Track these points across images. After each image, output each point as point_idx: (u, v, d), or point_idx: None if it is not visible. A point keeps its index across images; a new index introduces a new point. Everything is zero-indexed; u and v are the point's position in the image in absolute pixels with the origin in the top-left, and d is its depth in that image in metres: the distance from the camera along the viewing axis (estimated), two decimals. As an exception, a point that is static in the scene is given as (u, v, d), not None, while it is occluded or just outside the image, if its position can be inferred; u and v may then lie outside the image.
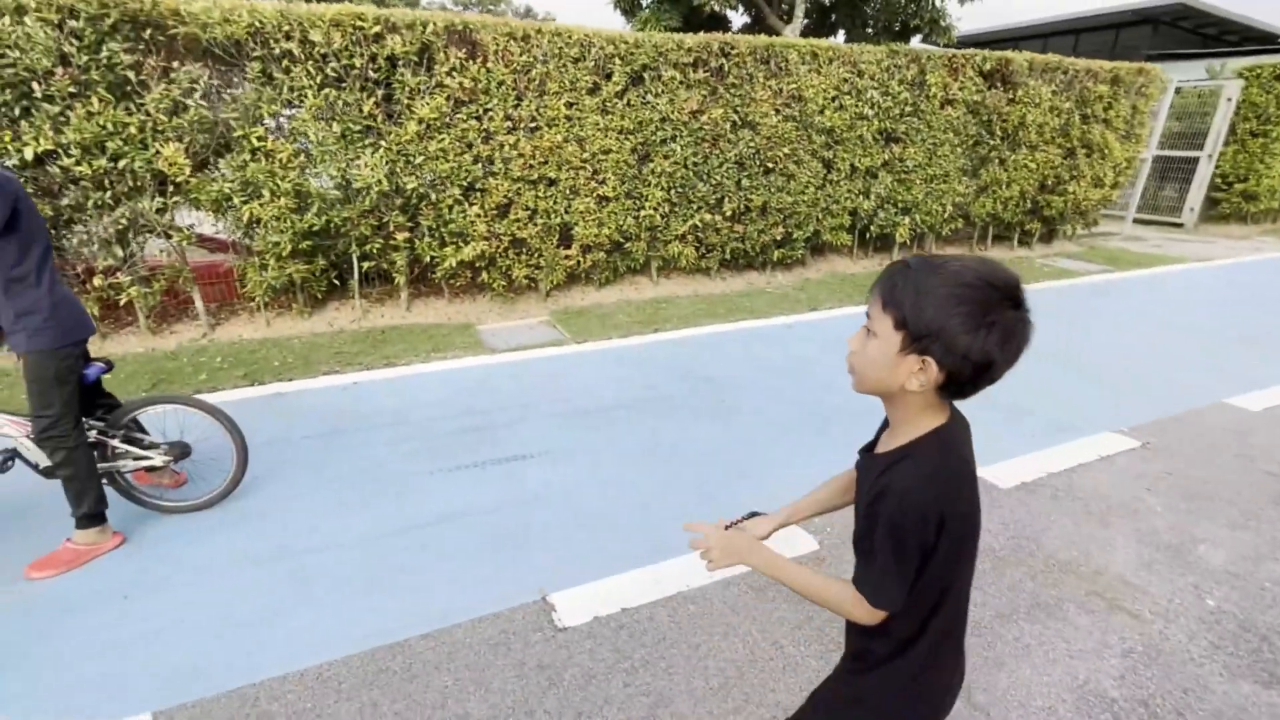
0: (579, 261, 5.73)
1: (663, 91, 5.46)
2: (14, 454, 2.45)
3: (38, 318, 2.22)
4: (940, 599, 0.98)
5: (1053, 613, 2.22)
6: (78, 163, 4.01)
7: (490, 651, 2.02)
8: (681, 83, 5.53)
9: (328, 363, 4.44)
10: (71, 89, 3.91)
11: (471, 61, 4.78)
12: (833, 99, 6.16)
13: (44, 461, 2.44)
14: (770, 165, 6.10)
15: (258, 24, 4.20)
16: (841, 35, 10.56)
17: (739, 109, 5.78)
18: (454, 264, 5.19)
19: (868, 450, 1.11)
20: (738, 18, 11.09)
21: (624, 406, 3.80)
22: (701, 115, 5.64)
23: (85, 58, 3.90)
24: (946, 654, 1.05)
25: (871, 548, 0.96)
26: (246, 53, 4.28)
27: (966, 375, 0.88)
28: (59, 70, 3.86)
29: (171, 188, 4.35)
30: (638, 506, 2.84)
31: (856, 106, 6.29)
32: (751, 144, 5.92)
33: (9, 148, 3.86)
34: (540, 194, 5.30)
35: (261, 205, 4.47)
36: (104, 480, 2.51)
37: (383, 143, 4.71)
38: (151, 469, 2.66)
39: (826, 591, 1.04)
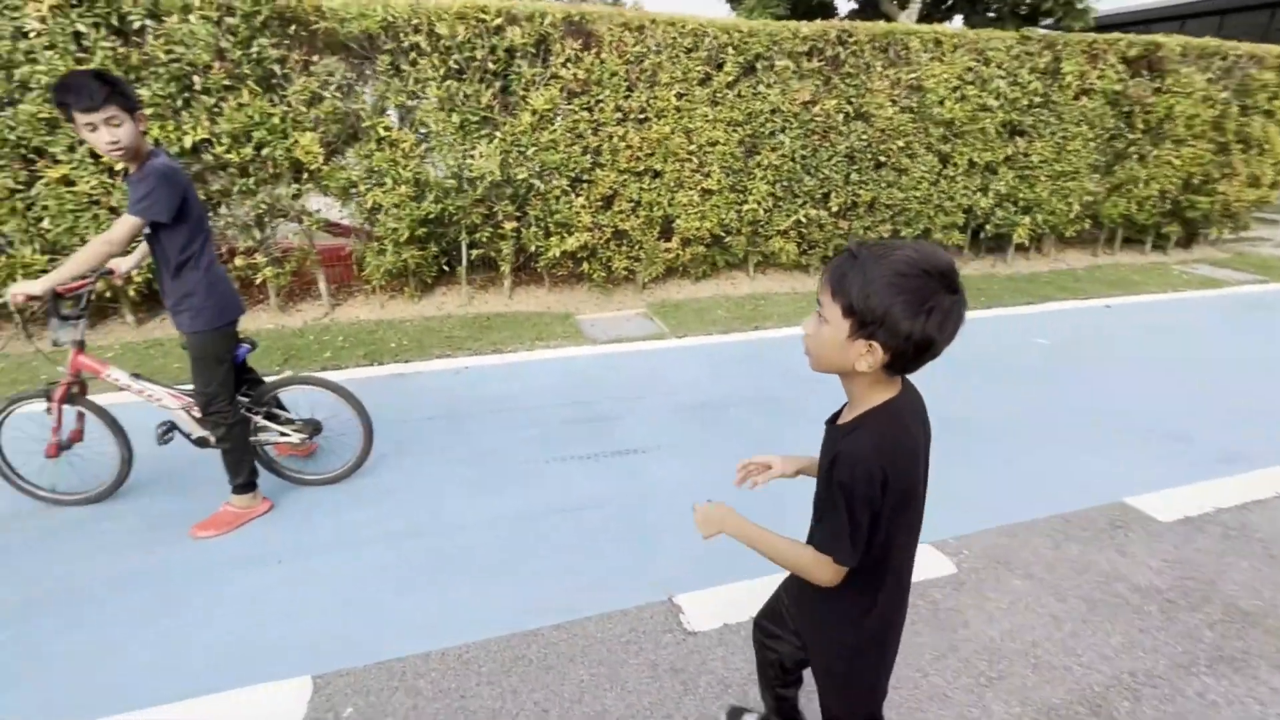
0: (678, 255, 5.68)
1: (775, 82, 5.30)
2: (173, 426, 2.65)
3: (197, 299, 2.37)
4: (885, 554, 1.10)
5: (1240, 669, 1.98)
6: (227, 151, 4.31)
7: (622, 649, 2.01)
8: (794, 73, 5.34)
9: (439, 346, 4.60)
10: (225, 82, 4.20)
11: (586, 52, 4.79)
12: (954, 89, 5.79)
13: (197, 432, 2.63)
14: (882, 159, 5.81)
15: (390, 18, 4.37)
16: (958, 21, 9.94)
17: (853, 100, 5.53)
18: (557, 254, 5.25)
19: (831, 421, 1.20)
20: (845, 4, 10.65)
21: (733, 404, 3.72)
22: (813, 106, 5.44)
23: (239, 52, 4.17)
24: (896, 601, 1.21)
25: (827, 509, 1.09)
26: (378, 46, 4.47)
27: (910, 355, 0.98)
28: (216, 64, 4.16)
29: (305, 175, 4.62)
30: (757, 509, 2.76)
31: (980, 97, 5.89)
32: (864, 136, 5.66)
33: (171, 136, 4.20)
34: (645, 186, 5.27)
35: (384, 193, 4.67)
36: (251, 451, 2.68)
37: (497, 133, 4.81)
38: (289, 444, 2.83)
39: (793, 554, 1.15)
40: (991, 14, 9.13)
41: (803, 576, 1.16)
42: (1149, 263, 7.54)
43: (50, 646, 2.03)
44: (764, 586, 2.25)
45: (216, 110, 4.25)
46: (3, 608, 2.19)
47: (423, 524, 2.63)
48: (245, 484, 2.62)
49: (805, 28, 5.28)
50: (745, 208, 5.62)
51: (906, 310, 0.93)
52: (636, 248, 5.51)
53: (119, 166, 4.14)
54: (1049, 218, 6.65)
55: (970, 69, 5.80)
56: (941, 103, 5.75)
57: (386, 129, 4.60)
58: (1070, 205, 6.66)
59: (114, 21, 3.96)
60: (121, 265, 2.54)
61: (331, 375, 4.04)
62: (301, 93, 4.33)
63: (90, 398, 2.59)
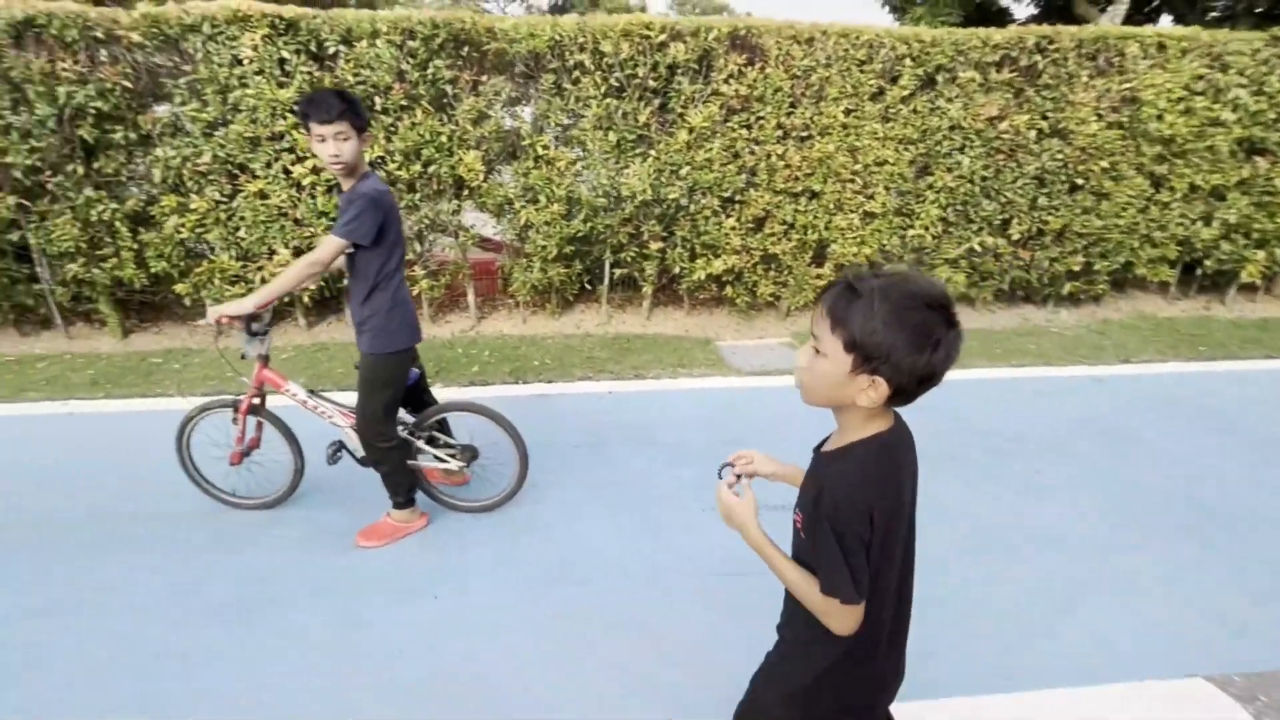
0: (830, 282, 5.24)
1: (957, 95, 4.76)
2: (342, 445, 2.67)
3: (379, 319, 2.35)
4: (872, 589, 1.03)
5: None
6: (399, 168, 4.50)
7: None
8: (980, 85, 4.78)
9: (580, 367, 4.50)
10: (402, 102, 4.38)
11: (750, 67, 4.55)
12: (1178, 101, 4.93)
13: (362, 452, 2.63)
14: (1079, 181, 5.06)
15: (558, 37, 4.37)
16: (1165, 22, 8.67)
17: (1049, 114, 4.86)
18: (702, 276, 5.02)
19: (818, 448, 1.15)
20: (1021, 9, 9.67)
21: (907, 460, 3.26)
22: (1000, 122, 4.83)
23: (416, 74, 4.34)
24: (884, 646, 1.11)
25: (820, 543, 1.01)
26: (543, 65, 4.49)
27: (911, 389, 0.96)
28: (396, 85, 4.35)
29: (465, 191, 4.73)
30: (966, 597, 2.33)
31: (1211, 110, 4.97)
32: (1059, 156, 4.95)
33: (352, 154, 4.43)
34: (800, 207, 4.92)
35: (537, 210, 4.68)
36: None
37: (651, 152, 4.68)
38: (446, 471, 2.76)
39: (804, 589, 1.07)
40: (1216, 13, 7.82)
41: (820, 618, 1.06)
42: None
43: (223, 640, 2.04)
44: (1010, 707, 1.84)
45: (392, 129, 4.45)
46: (201, 601, 2.26)
47: (573, 566, 2.45)
48: (406, 500, 2.59)
49: (997, 35, 4.70)
50: (911, 233, 5.09)
51: (911, 345, 0.91)
52: (786, 273, 5.16)
53: (331, 179, 4.45)
54: (1291, 254, 5.51)
55: (1201, 77, 4.91)
56: (1160, 117, 4.92)
57: (545, 147, 4.61)
58: (1321, 239, 5.47)
59: (313, 48, 4.26)
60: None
61: (480, 393, 4.05)
62: (470, 112, 4.43)
63: (269, 408, 2.66)
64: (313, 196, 4.50)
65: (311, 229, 4.57)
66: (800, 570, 1.10)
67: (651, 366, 4.52)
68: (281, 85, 4.24)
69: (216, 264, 4.57)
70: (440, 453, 2.68)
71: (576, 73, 4.49)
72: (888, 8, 9.37)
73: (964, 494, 2.99)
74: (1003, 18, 9.09)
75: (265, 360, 2.51)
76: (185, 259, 4.58)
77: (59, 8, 3.98)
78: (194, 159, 4.32)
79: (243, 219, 4.49)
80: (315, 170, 4.41)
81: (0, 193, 4.23)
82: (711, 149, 4.65)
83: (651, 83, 4.55)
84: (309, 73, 4.25)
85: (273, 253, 4.60)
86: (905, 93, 4.70)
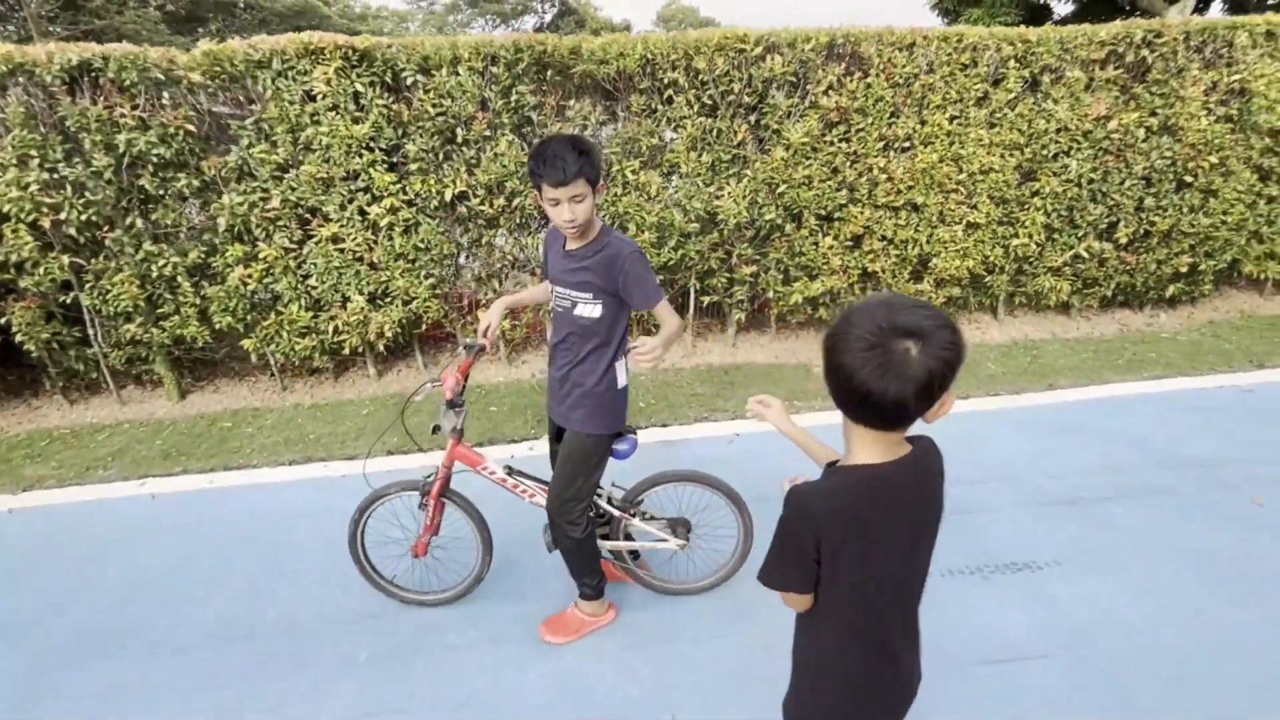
0: (930, 298, 4.95)
1: (1064, 96, 4.51)
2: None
3: (607, 395, 2.06)
4: (829, 594, 1.11)
5: None
6: (482, 202, 4.18)
7: None
8: (1087, 84, 4.53)
9: (686, 405, 4.17)
10: (485, 133, 4.07)
11: (849, 77, 4.28)
12: (1287, 90, 4.70)
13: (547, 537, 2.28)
14: (1188, 179, 4.81)
15: (649, 54, 4.08)
16: (1214, 11, 8.55)
17: (1158, 110, 4.61)
18: (799, 300, 4.71)
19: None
20: (1062, 6, 9.53)
21: (1106, 498, 2.93)
22: (1108, 121, 4.58)
23: (500, 102, 4.03)
24: (857, 654, 1.15)
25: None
26: (634, 85, 4.19)
27: (853, 407, 1.01)
28: (479, 115, 4.04)
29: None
30: (1222, 650, 1.99)
31: (1320, 98, 4.75)
32: (1168, 153, 4.70)
33: (433, 190, 4.11)
34: (901, 221, 4.63)
35: (627, 239, 4.35)
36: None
37: (747, 171, 4.39)
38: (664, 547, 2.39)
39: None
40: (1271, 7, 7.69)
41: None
42: None
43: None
44: None
45: (474, 161, 4.13)
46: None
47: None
48: (596, 589, 2.24)
49: (1103, 30, 4.47)
50: (1015, 242, 4.81)
51: (827, 366, 1.00)
52: (883, 291, 4.85)
53: (410, 218, 4.14)
54: (1401, 243, 5.27)
55: (1311, 64, 4.70)
56: (1271, 108, 4.68)
57: (634, 172, 4.30)
58: None
59: (388, 79, 3.94)
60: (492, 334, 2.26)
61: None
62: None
63: (453, 488, 2.30)
64: (390, 238, 4.17)
65: (387, 273, 4.23)
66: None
67: (764, 401, 4.18)
68: (356, 121, 3.92)
69: (286, 315, 4.21)
70: (654, 529, 2.33)
71: (669, 91, 4.20)
72: (938, 11, 9.21)
73: (1208, 538, 2.66)
74: (1045, 15, 8.94)
75: (459, 435, 2.16)
76: (250, 312, 4.22)
77: (116, 49, 3.65)
78: (262, 204, 3.98)
79: (314, 266, 4.15)
80: (393, 210, 4.08)
81: (52, 253, 3.87)
82: (811, 165, 4.36)
83: (746, 99, 4.26)
84: (385, 105, 3.93)
85: (346, 300, 4.26)
86: (1011, 95, 4.44)
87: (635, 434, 2.21)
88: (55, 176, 3.71)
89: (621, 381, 2.07)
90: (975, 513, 2.84)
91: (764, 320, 5.28)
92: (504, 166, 4.11)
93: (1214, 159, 4.75)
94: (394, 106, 3.96)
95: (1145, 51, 4.50)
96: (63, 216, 3.75)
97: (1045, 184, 4.68)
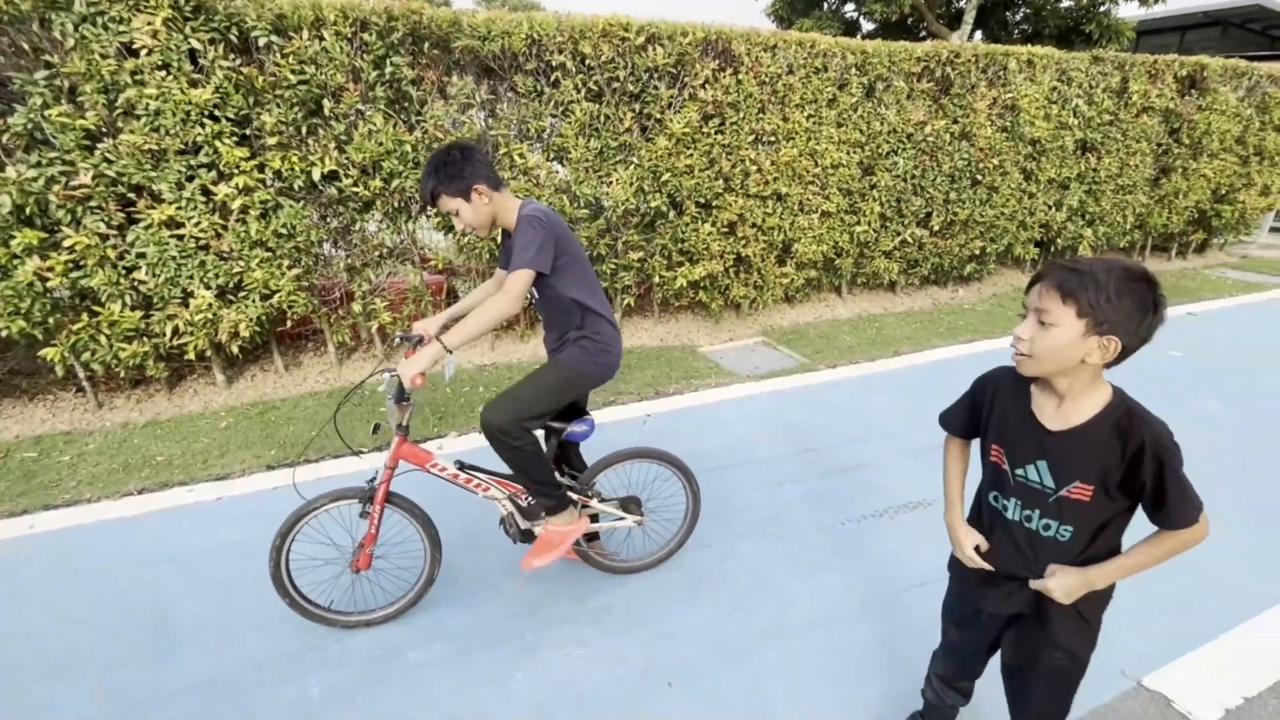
0: (793, 279, 5.48)
1: (892, 102, 5.22)
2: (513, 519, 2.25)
3: (595, 339, 2.11)
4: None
5: None
6: (354, 183, 3.79)
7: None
8: (908, 93, 5.29)
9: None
10: (359, 106, 3.69)
11: (723, 73, 4.55)
12: (1041, 108, 5.91)
13: (523, 524, 2.22)
14: (979, 177, 5.85)
15: (536, 35, 3.98)
16: (977, 37, 10.30)
17: (959, 119, 5.54)
18: (684, 283, 4.94)
19: (1042, 429, 1.25)
20: (868, 24, 10.85)
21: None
22: (925, 126, 5.40)
23: (373, 73, 3.67)
24: None
25: (1169, 483, 1.14)
26: (520, 65, 4.06)
27: (1134, 348, 1.13)
28: (350, 86, 3.64)
29: (427, 208, 4.12)
30: None
31: (1061, 115, 6.05)
32: (965, 155, 5.68)
33: (296, 168, 3.63)
34: (769, 210, 5.06)
35: (518, 226, 4.23)
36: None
37: (633, 159, 4.48)
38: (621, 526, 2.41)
39: (1163, 548, 1.20)
40: (1018, 35, 9.51)
41: (1180, 553, 1.20)
42: (1181, 269, 7.98)
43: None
44: (1234, 652, 2.04)
45: (345, 138, 3.72)
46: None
47: (781, 617, 2.28)
48: (560, 499, 2.19)
49: (919, 48, 5.24)
50: (858, 229, 5.50)
51: (1137, 310, 1.09)
52: (756, 274, 5.28)
53: (269, 200, 3.61)
54: (1108, 229, 6.91)
55: (1055, 89, 5.94)
56: (1032, 122, 5.86)
57: (522, 156, 4.18)
58: (1126, 217, 6.95)
59: (234, 37, 3.39)
60: (431, 330, 2.10)
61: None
62: (443, 117, 3.86)
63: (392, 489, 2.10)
64: (243, 223, 3.61)
65: (241, 264, 3.66)
66: (1140, 549, 1.22)
67: (664, 382, 4.35)
68: (194, 84, 3.33)
69: (105, 316, 3.47)
70: (614, 509, 2.32)
71: (556, 74, 4.13)
72: (773, 18, 9.97)
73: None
74: (854, 32, 10.17)
75: (405, 432, 1.97)
76: (51, 314, 3.40)
77: None
78: (65, 180, 3.22)
79: (142, 256, 3.47)
80: (246, 190, 3.54)
81: None
82: (692, 155, 4.58)
83: (631, 87, 4.34)
84: (232, 68, 3.38)
85: (189, 296, 3.62)
86: (853, 99, 5.04)
87: (590, 416, 2.23)
88: None
89: (607, 327, 2.10)
90: (871, 466, 3.26)
91: (647, 304, 5.45)
92: (379, 145, 3.76)
93: (995, 161, 5.84)
94: (244, 70, 3.43)
95: (949, 69, 5.38)
96: None
97: (880, 178, 5.40)
